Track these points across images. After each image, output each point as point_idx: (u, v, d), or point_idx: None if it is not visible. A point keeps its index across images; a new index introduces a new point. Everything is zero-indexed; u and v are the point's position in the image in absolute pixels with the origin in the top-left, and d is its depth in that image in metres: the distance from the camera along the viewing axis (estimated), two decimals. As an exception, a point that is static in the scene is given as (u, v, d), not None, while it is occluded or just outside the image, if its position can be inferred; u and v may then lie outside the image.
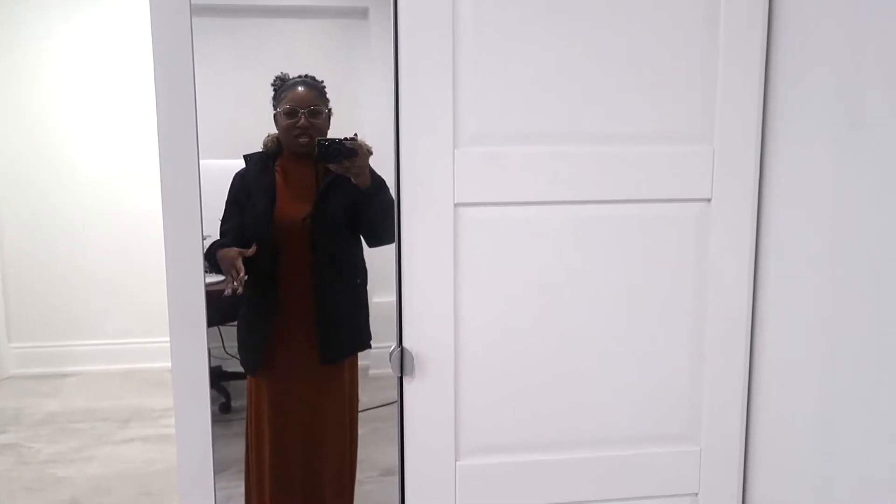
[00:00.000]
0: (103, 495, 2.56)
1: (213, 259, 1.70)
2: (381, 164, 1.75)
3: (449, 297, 1.26)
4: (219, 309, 1.79)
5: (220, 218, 1.76)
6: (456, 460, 1.32)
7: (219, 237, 1.73)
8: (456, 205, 1.24)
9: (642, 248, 1.29)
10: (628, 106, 1.26)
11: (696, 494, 1.38)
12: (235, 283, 1.68)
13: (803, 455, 1.21)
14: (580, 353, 1.31)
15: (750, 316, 1.33)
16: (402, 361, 1.28)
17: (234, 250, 1.70)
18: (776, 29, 1.25)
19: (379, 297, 1.97)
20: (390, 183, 1.27)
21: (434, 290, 1.26)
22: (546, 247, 1.28)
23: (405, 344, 1.28)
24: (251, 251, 1.70)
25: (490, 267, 1.27)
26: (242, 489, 1.92)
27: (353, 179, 1.69)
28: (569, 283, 1.29)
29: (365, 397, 1.98)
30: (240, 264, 1.69)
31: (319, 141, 1.66)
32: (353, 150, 1.66)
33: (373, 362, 2.05)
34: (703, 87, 1.26)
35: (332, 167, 1.69)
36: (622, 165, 1.26)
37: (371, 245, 1.83)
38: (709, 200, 1.29)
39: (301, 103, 1.73)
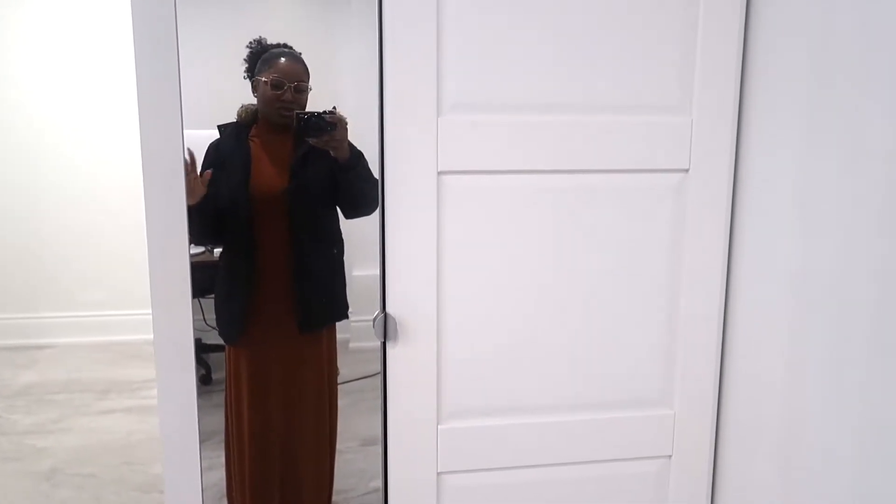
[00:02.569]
0: (84, 465, 2.57)
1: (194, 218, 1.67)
2: (358, 135, 1.75)
3: (432, 264, 1.29)
4: (198, 281, 1.79)
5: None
6: (437, 423, 1.35)
7: None
8: (439, 173, 1.26)
9: (621, 217, 1.32)
10: (608, 76, 1.27)
11: (670, 457, 1.43)
12: (197, 181, 1.62)
13: (772, 421, 1.26)
14: (558, 319, 1.35)
15: (724, 284, 1.37)
16: (386, 327, 1.30)
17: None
18: (754, 4, 1.27)
19: (358, 271, 1.98)
20: (375, 151, 1.28)
21: (417, 257, 1.28)
22: (526, 215, 1.30)
23: (388, 310, 1.30)
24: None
25: (472, 234, 1.30)
26: (223, 459, 1.95)
27: (331, 153, 1.69)
28: (548, 251, 1.32)
29: (345, 370, 2.00)
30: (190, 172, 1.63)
31: (299, 114, 1.66)
32: (332, 124, 1.66)
33: (353, 335, 2.06)
34: (682, 58, 1.28)
35: (311, 141, 1.69)
36: (602, 135, 1.29)
37: (348, 217, 1.84)
38: (687, 171, 1.31)
39: (288, 76, 1.71)
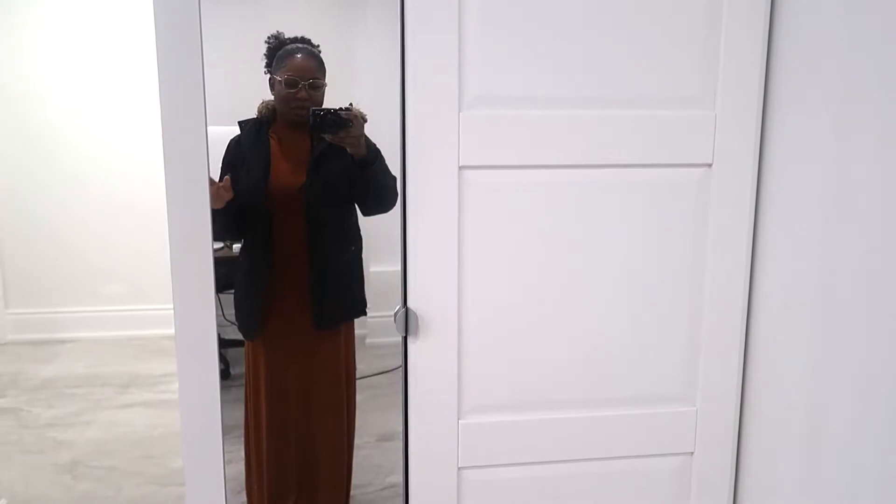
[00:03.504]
0: (104, 458, 2.60)
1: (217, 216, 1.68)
2: (378, 130, 1.75)
3: (453, 259, 1.28)
4: (218, 277, 1.80)
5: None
6: (458, 419, 1.35)
7: None
8: (461, 168, 1.26)
9: (644, 212, 1.31)
10: (630, 70, 1.26)
11: (692, 454, 1.42)
12: (221, 189, 1.63)
13: (795, 418, 1.25)
14: (581, 314, 1.34)
15: (748, 279, 1.35)
16: (407, 322, 1.30)
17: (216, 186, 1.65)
18: None
19: (376, 267, 1.98)
20: (395, 145, 1.28)
21: (438, 252, 1.28)
22: (548, 210, 1.29)
23: (409, 304, 1.30)
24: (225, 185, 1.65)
25: (493, 229, 1.29)
26: (242, 453, 1.96)
27: (348, 150, 1.69)
28: (570, 246, 1.31)
29: (363, 365, 2.00)
30: (220, 185, 1.64)
31: (314, 111, 1.65)
32: (347, 121, 1.65)
33: (370, 331, 2.07)
34: (706, 50, 1.27)
35: (326, 137, 1.68)
36: (623, 130, 1.27)
37: (366, 214, 1.84)
38: (710, 165, 1.30)
39: (302, 74, 1.71)
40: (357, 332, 1.96)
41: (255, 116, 1.79)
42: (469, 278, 1.30)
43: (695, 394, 1.39)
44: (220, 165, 1.78)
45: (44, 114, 3.82)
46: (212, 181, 1.62)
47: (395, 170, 1.30)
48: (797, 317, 1.23)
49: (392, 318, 1.32)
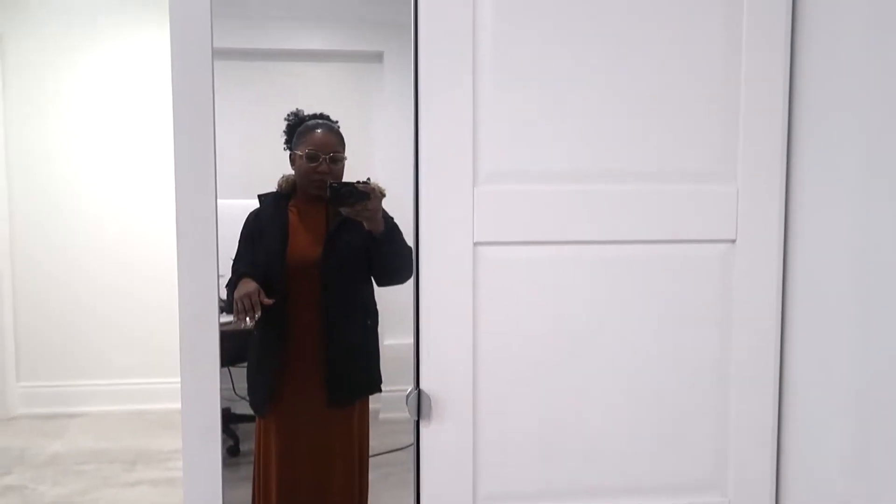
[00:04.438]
0: (108, 539, 2.52)
1: (233, 286, 1.70)
2: (394, 205, 1.75)
3: (468, 338, 1.25)
4: (229, 350, 1.78)
5: (233, 257, 1.77)
6: None
7: (231, 273, 1.73)
8: (475, 244, 1.24)
9: (665, 289, 1.28)
10: (649, 145, 1.25)
11: None
12: (248, 319, 1.68)
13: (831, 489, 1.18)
14: (602, 396, 1.29)
15: (778, 360, 1.30)
16: (420, 404, 1.25)
17: (254, 286, 1.70)
18: (799, 66, 1.25)
19: (390, 340, 1.95)
20: (409, 221, 1.27)
21: (452, 331, 1.25)
22: (566, 286, 1.26)
23: (422, 386, 1.25)
24: (270, 302, 1.70)
25: (509, 307, 1.26)
26: (249, 535, 1.88)
27: (365, 224, 1.69)
28: (589, 325, 1.27)
29: (375, 442, 1.94)
30: (258, 301, 1.68)
31: (331, 184, 1.66)
32: (365, 194, 1.66)
33: (384, 406, 2.02)
34: (725, 124, 1.26)
35: (343, 211, 1.69)
36: (644, 205, 1.25)
37: (381, 285, 1.83)
38: (733, 241, 1.27)
39: (323, 148, 1.74)
40: (371, 406, 1.92)
41: (274, 191, 1.81)
42: (484, 358, 1.26)
43: (726, 482, 1.32)
44: (239, 237, 1.79)
45: (62, 184, 3.90)
46: (257, 289, 1.65)
47: (411, 242, 1.28)
48: (834, 398, 1.18)
49: (405, 399, 1.28)
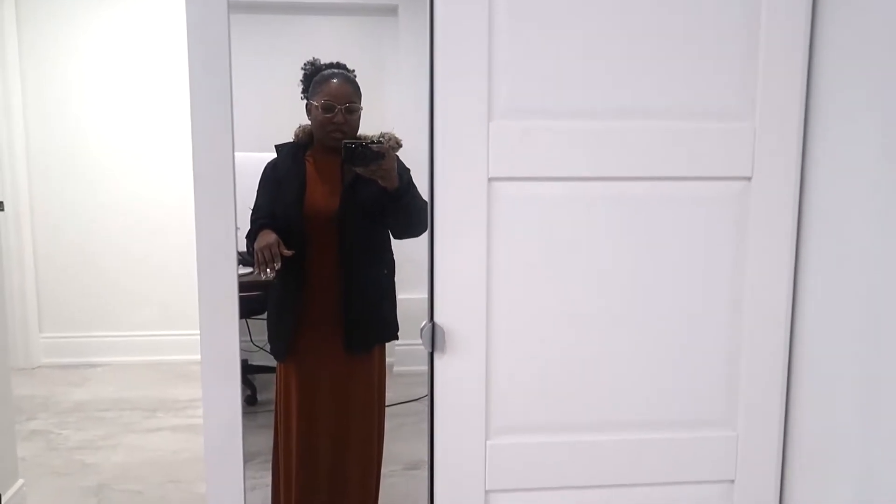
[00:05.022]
0: (130, 482, 2.61)
1: (252, 237, 1.73)
2: (410, 156, 1.76)
3: (481, 273, 1.25)
4: (247, 302, 1.81)
5: (251, 206, 1.79)
6: (486, 439, 1.30)
7: (250, 223, 1.75)
8: (490, 179, 1.23)
9: (681, 226, 1.27)
10: (668, 81, 1.24)
11: (733, 481, 1.35)
12: (269, 270, 1.70)
13: (844, 447, 1.19)
14: (615, 333, 1.30)
15: (791, 298, 1.30)
16: (434, 337, 1.26)
17: (274, 237, 1.73)
18: (822, 3, 1.22)
19: (404, 294, 1.98)
20: (425, 156, 1.25)
21: (466, 265, 1.25)
22: (580, 224, 1.26)
23: (436, 319, 1.26)
24: (290, 253, 1.73)
25: (524, 243, 1.26)
26: (267, 479, 1.95)
27: (379, 182, 1.70)
28: (603, 262, 1.27)
29: (391, 393, 1.99)
30: (278, 253, 1.71)
31: (346, 144, 1.67)
32: (379, 154, 1.67)
33: (398, 359, 2.05)
34: (745, 60, 1.24)
35: (358, 170, 1.70)
36: (660, 142, 1.24)
37: (397, 237, 1.85)
38: (749, 179, 1.26)
39: (338, 99, 1.74)
40: (387, 359, 1.95)
41: (291, 141, 1.82)
42: (498, 293, 1.26)
43: (736, 418, 1.33)
44: (257, 188, 1.81)
45: (81, 141, 3.93)
46: (277, 240, 1.67)
47: (426, 179, 1.28)
48: (846, 338, 1.18)
49: (419, 335, 1.29)
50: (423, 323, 1.28)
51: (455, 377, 1.28)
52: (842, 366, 1.19)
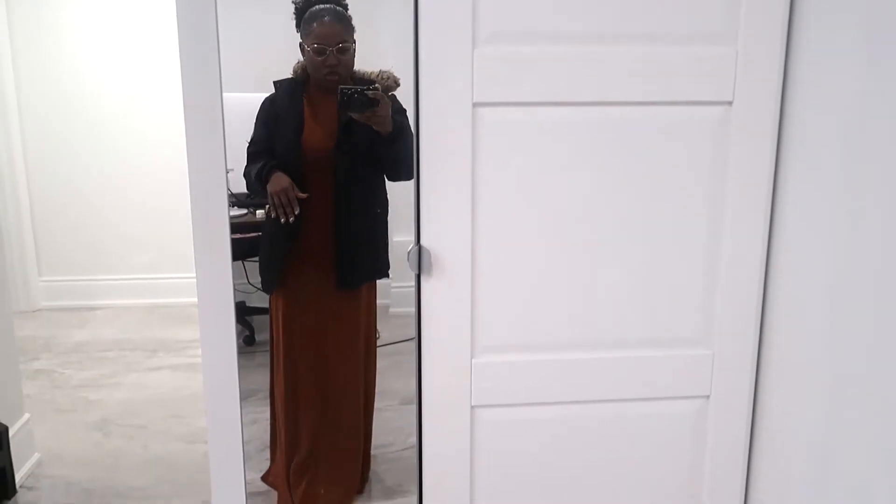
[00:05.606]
0: (133, 417, 2.68)
1: (263, 179, 1.75)
2: (405, 86, 1.75)
3: (466, 197, 1.28)
4: (241, 244, 1.84)
5: (248, 140, 1.80)
6: (472, 358, 1.35)
7: (246, 159, 1.77)
8: (474, 105, 1.25)
9: (662, 150, 1.29)
10: (651, 4, 1.24)
11: (708, 397, 1.41)
12: (287, 215, 1.73)
13: (817, 363, 1.23)
14: (596, 255, 1.33)
15: (768, 220, 1.33)
16: (420, 259, 1.30)
17: (288, 181, 1.75)
18: None
19: (399, 236, 2.01)
20: (410, 82, 1.27)
21: (451, 190, 1.28)
22: (563, 148, 1.28)
23: (423, 242, 1.30)
24: (304, 196, 1.75)
25: (507, 168, 1.28)
26: (266, 415, 2.02)
27: (374, 127, 1.71)
28: (586, 186, 1.30)
29: (386, 333, 2.04)
30: (294, 197, 1.74)
31: (342, 89, 1.68)
32: (374, 101, 1.68)
33: (394, 301, 2.10)
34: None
35: (354, 116, 1.71)
36: (643, 66, 1.25)
37: (391, 179, 1.87)
38: (730, 103, 1.27)
39: (329, 40, 1.73)
40: (380, 301, 2.00)
41: (289, 77, 1.81)
42: (482, 217, 1.29)
43: (712, 337, 1.38)
44: (255, 122, 1.82)
45: (77, 84, 3.88)
46: (291, 184, 1.69)
47: (412, 104, 1.28)
48: (819, 258, 1.22)
49: (406, 255, 1.32)
50: (410, 246, 1.31)
51: (441, 298, 1.32)
52: (814, 286, 1.23)
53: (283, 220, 1.74)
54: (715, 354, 1.39)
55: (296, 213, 1.75)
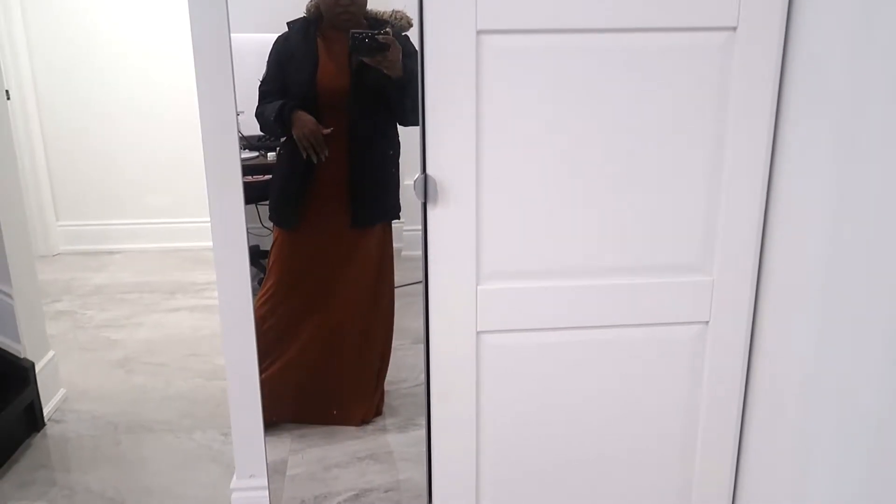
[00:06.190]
0: (155, 355, 2.77)
1: (285, 119, 1.76)
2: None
3: (471, 126, 1.29)
4: (253, 188, 1.86)
5: (261, 78, 1.81)
6: (477, 284, 1.38)
7: (258, 97, 1.78)
8: (478, 32, 1.24)
9: (666, 77, 1.29)
10: None
11: (707, 323, 1.44)
12: (319, 153, 1.76)
13: (812, 290, 1.26)
14: (599, 183, 1.34)
15: (770, 148, 1.34)
16: (426, 187, 1.32)
17: (311, 120, 1.77)
18: None
19: (410, 180, 2.02)
20: (414, 10, 1.26)
21: (456, 119, 1.28)
22: (566, 77, 1.28)
23: (428, 171, 1.31)
24: (329, 131, 1.77)
25: (511, 96, 1.28)
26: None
27: (384, 71, 1.71)
28: (588, 114, 1.30)
29: (398, 276, 2.08)
30: (320, 136, 1.76)
31: (353, 34, 1.68)
32: (385, 45, 1.68)
33: (406, 244, 2.13)
34: None
35: (365, 60, 1.71)
36: None
37: (403, 125, 1.88)
38: (734, 29, 1.27)
39: None
40: (395, 245, 2.03)
41: (303, 16, 1.81)
42: (487, 146, 1.30)
43: (712, 264, 1.40)
44: (267, 60, 1.82)
45: (89, 31, 3.87)
46: (315, 123, 1.71)
47: (416, 32, 1.27)
48: (818, 187, 1.22)
49: (413, 184, 1.34)
50: (416, 175, 1.32)
51: (446, 226, 1.34)
52: (813, 214, 1.24)
53: (314, 159, 1.77)
54: (715, 281, 1.41)
55: (326, 152, 1.77)
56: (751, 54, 1.27)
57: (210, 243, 1.60)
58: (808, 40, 1.24)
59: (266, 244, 2.29)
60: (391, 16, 1.76)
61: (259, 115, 1.81)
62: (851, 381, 1.16)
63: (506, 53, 1.26)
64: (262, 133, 1.83)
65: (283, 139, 1.83)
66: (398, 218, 1.97)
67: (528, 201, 1.34)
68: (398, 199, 1.95)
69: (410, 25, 1.78)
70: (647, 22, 1.25)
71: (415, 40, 1.31)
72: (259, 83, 1.80)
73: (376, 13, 1.78)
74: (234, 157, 1.52)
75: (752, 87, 1.29)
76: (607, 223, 1.37)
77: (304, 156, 1.77)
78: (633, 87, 1.29)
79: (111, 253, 4.07)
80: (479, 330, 1.41)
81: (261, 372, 1.70)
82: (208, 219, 1.57)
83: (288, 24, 1.79)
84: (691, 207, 1.36)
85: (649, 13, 1.25)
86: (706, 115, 1.31)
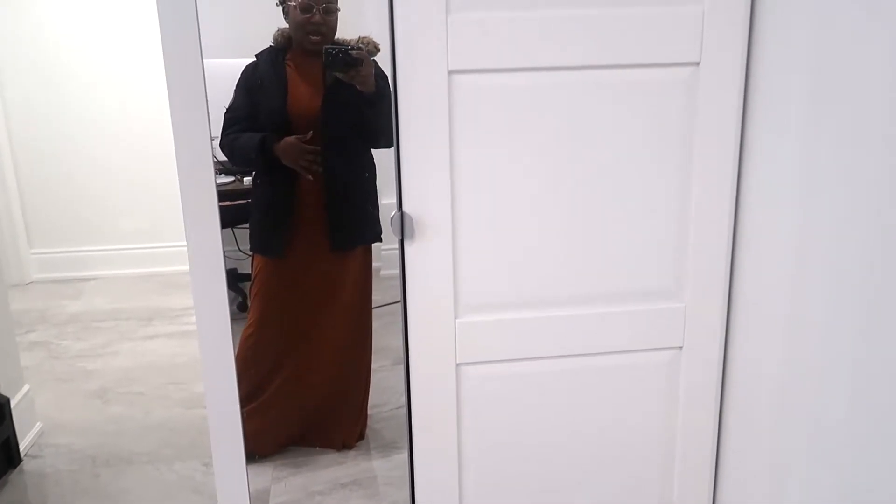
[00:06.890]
0: (132, 384, 2.73)
1: (268, 156, 1.76)
2: (386, 55, 1.76)
3: (445, 163, 1.31)
4: (230, 211, 1.85)
5: (226, 106, 1.80)
6: (455, 317, 1.40)
7: (223, 125, 1.77)
8: (450, 72, 1.27)
9: (634, 111, 1.32)
10: None
11: (681, 348, 1.47)
12: (317, 168, 1.76)
13: (781, 310, 1.29)
14: (571, 215, 1.37)
15: (735, 177, 1.37)
16: (403, 224, 1.33)
17: (292, 143, 1.77)
18: None
19: (387, 199, 2.02)
20: (386, 50, 1.28)
21: (430, 157, 1.30)
22: (537, 113, 1.31)
23: (405, 208, 1.33)
24: (308, 136, 1.77)
25: (484, 133, 1.31)
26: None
27: (357, 86, 1.72)
28: (559, 149, 1.33)
29: (377, 295, 2.07)
30: (312, 151, 1.76)
31: (327, 49, 1.69)
32: (358, 60, 1.69)
33: (384, 263, 2.12)
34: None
35: (338, 75, 1.72)
36: (610, 28, 1.27)
37: (372, 147, 1.88)
38: (698, 64, 1.30)
39: None
40: (374, 264, 2.02)
41: (270, 45, 1.81)
42: (462, 181, 1.32)
43: (683, 291, 1.43)
44: (235, 88, 1.82)
45: (58, 58, 3.83)
46: (300, 143, 1.70)
47: (388, 71, 1.29)
48: (782, 214, 1.26)
49: (390, 221, 1.35)
50: (393, 212, 1.34)
51: (424, 262, 1.36)
52: (779, 238, 1.28)
53: (314, 174, 1.77)
54: (687, 307, 1.44)
55: (320, 160, 1.77)
56: (714, 87, 1.31)
57: (186, 267, 1.58)
58: (769, 72, 1.27)
59: (243, 267, 2.28)
60: (359, 41, 1.77)
61: (227, 146, 1.80)
62: (821, 399, 1.19)
63: (477, 91, 1.28)
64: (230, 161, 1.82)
65: (254, 175, 1.83)
66: (380, 241, 1.97)
67: (504, 235, 1.36)
68: (378, 222, 1.95)
69: (377, 50, 1.79)
70: (615, 59, 1.29)
71: (385, 67, 1.32)
72: (224, 111, 1.80)
73: (344, 40, 1.79)
74: (209, 182, 1.51)
75: (716, 118, 1.33)
76: (581, 254, 1.39)
77: (309, 175, 1.77)
78: (602, 121, 1.32)
79: (85, 280, 4.00)
80: (458, 362, 1.43)
81: (245, 406, 1.68)
82: (183, 242, 1.55)
83: (256, 55, 1.79)
84: (662, 236, 1.39)
85: (618, 51, 1.28)
86: (674, 146, 1.35)
